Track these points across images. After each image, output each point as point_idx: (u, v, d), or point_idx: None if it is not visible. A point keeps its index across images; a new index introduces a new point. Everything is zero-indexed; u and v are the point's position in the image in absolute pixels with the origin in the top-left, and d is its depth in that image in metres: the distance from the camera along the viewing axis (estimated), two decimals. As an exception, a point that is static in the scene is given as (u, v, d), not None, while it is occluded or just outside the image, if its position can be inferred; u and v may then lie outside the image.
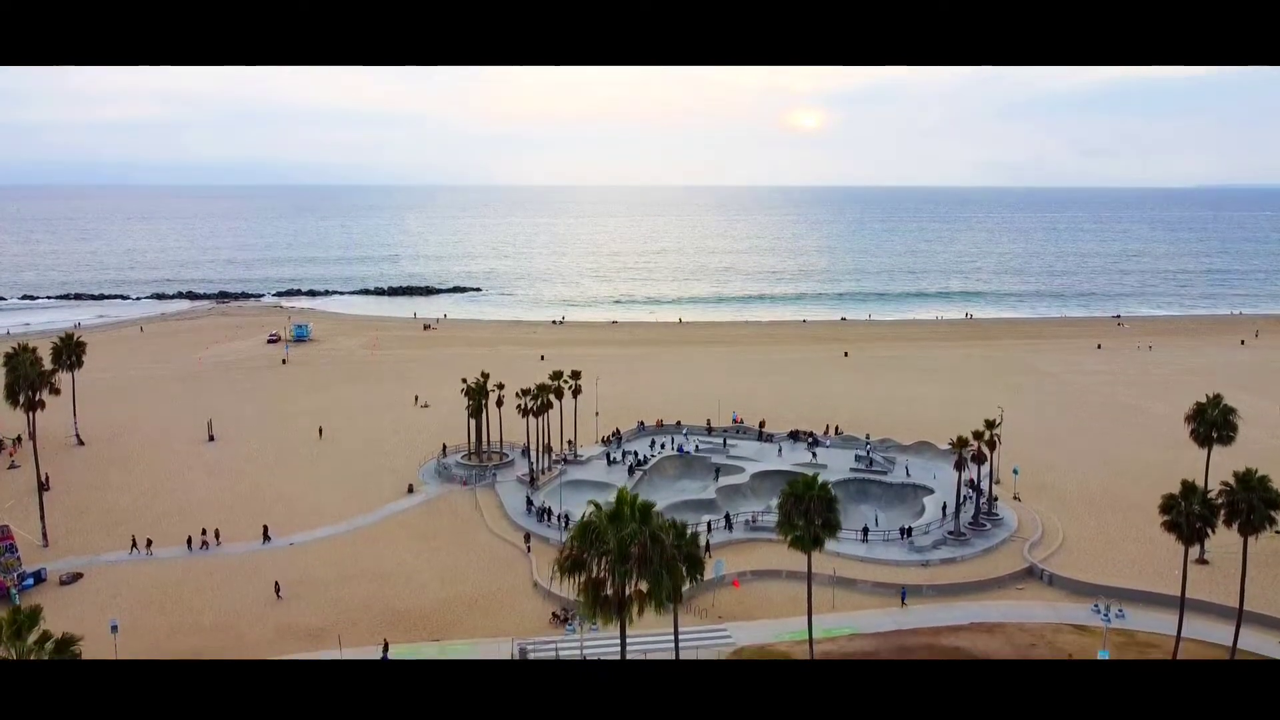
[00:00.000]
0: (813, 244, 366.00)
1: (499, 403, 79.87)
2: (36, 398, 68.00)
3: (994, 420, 67.16)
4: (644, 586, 28.84)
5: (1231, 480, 47.58)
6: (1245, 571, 48.65)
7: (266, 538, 65.54)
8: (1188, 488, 47.44)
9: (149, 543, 63.86)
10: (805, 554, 47.18)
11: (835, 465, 78.04)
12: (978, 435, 65.84)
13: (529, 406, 76.34)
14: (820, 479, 48.37)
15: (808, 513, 46.23)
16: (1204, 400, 62.82)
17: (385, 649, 50.60)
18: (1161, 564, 59.93)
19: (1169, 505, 47.35)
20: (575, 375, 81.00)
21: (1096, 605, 47.27)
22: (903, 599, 57.30)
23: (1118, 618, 47.61)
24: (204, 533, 65.22)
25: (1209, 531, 47.24)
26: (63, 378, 79.05)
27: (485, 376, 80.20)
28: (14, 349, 70.98)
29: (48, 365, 75.42)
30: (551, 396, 77.95)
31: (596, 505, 29.43)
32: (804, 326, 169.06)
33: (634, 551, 26.79)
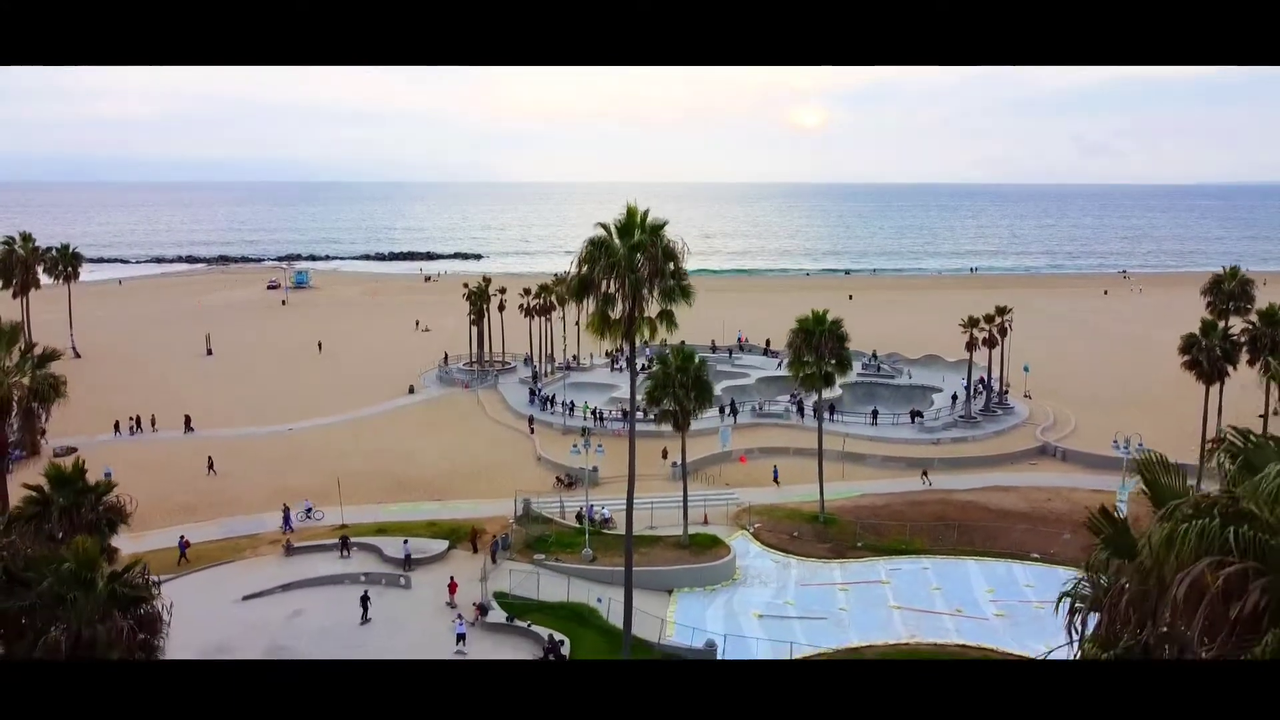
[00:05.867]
0: (814, 224, 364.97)
1: (501, 307, 78.75)
2: (29, 277, 67.18)
3: (1005, 307, 66.02)
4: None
5: (1255, 319, 46.57)
6: (1267, 410, 47.50)
7: (189, 428, 64.37)
8: (1207, 325, 46.32)
9: (42, 431, 62.31)
10: (815, 391, 46.00)
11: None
12: (989, 319, 64.70)
13: (531, 305, 75.23)
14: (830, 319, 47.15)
15: (818, 349, 45.09)
16: (1221, 272, 61.68)
17: (284, 513, 48.04)
18: (1177, 444, 58.56)
19: (1189, 344, 46.24)
20: (578, 281, 79.85)
21: (1116, 441, 46.03)
22: (774, 478, 54.85)
23: (1139, 450, 46.28)
24: (135, 419, 64.86)
25: (1230, 369, 46.05)
26: (60, 300, 78.36)
27: (487, 280, 79.14)
28: (9, 237, 70.32)
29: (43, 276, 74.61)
30: (554, 299, 76.83)
31: (604, 225, 28.15)
32: (808, 278, 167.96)
33: (644, 265, 25.55)
